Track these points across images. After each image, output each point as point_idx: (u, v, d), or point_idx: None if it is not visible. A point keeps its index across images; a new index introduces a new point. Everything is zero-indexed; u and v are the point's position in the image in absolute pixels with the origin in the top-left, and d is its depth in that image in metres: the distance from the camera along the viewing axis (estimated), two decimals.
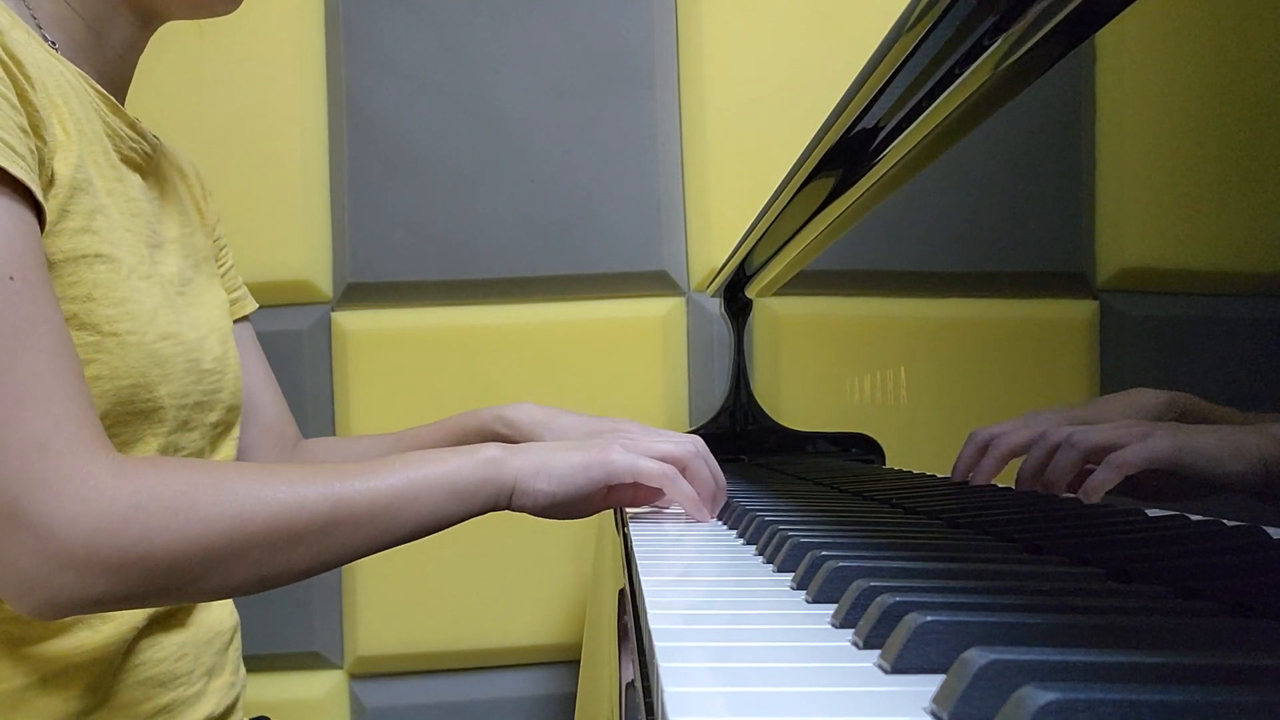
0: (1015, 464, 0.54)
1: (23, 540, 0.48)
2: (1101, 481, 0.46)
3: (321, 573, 0.58)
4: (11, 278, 0.50)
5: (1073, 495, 0.48)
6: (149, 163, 0.73)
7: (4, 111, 0.53)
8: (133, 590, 0.50)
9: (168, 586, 0.52)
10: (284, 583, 0.56)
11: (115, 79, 0.73)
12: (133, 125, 0.70)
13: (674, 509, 0.77)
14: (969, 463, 0.60)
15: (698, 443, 0.72)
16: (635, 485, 0.70)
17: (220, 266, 0.86)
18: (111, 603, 0.51)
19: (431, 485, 0.60)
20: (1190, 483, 0.41)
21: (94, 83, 0.66)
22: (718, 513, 0.73)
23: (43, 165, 0.56)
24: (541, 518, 0.67)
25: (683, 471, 0.70)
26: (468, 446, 0.65)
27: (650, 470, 0.68)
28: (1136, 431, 0.44)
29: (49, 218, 0.57)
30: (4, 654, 0.59)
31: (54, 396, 0.50)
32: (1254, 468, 0.36)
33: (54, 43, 0.66)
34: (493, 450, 0.64)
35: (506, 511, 0.66)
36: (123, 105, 0.72)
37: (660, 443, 0.70)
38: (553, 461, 0.65)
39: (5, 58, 0.54)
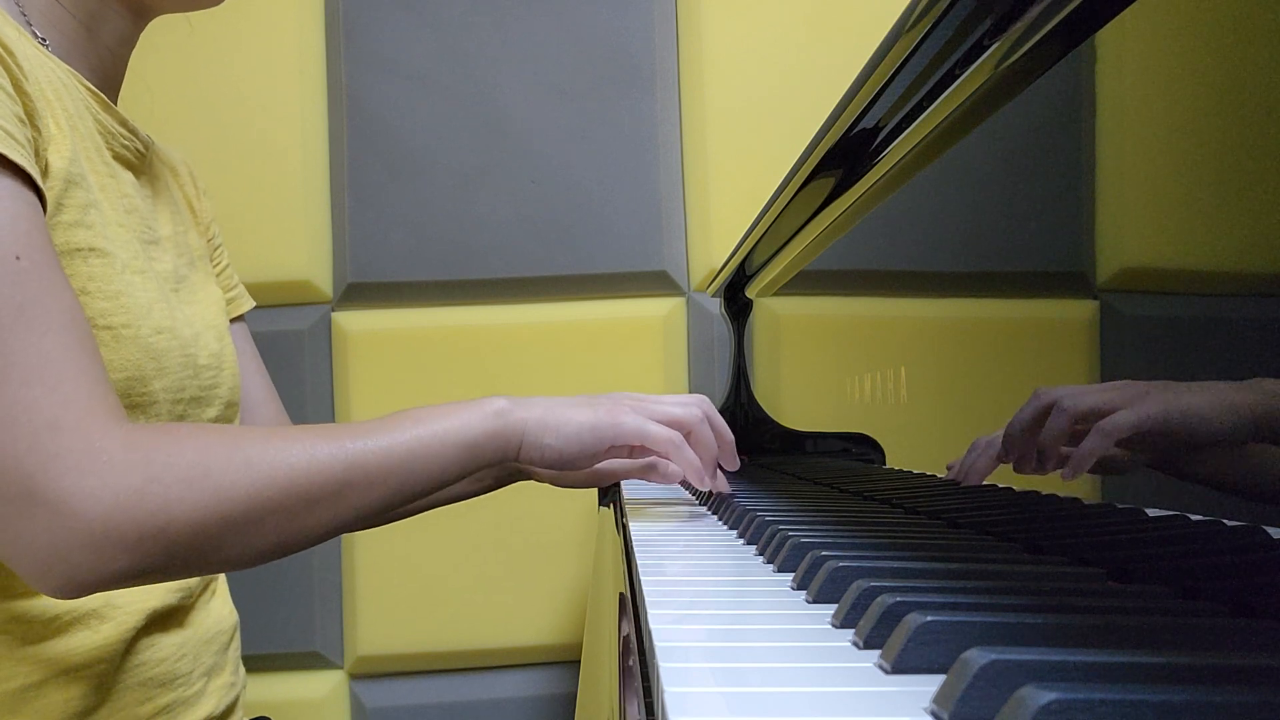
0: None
1: (40, 519, 0.48)
2: (1090, 449, 0.45)
3: (339, 534, 0.59)
4: (18, 257, 0.50)
5: (1071, 495, 0.48)
6: (141, 161, 0.73)
7: (1, 100, 0.53)
8: (153, 563, 0.50)
9: (188, 558, 0.52)
10: (302, 546, 0.57)
11: (107, 76, 0.73)
12: (124, 123, 0.70)
13: (659, 490, 0.77)
14: (978, 471, 0.59)
15: (704, 403, 0.72)
16: (630, 449, 0.70)
17: (216, 265, 0.86)
18: (133, 577, 0.51)
19: (443, 440, 0.60)
20: (1183, 447, 0.40)
21: (85, 81, 0.66)
22: (735, 468, 0.73)
23: (37, 156, 0.57)
24: (547, 470, 0.67)
25: (687, 437, 0.70)
26: (473, 400, 0.64)
27: (658, 435, 0.68)
28: (1127, 395, 0.43)
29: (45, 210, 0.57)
30: (3, 655, 0.59)
31: (64, 374, 0.50)
32: (1245, 426, 0.36)
33: (45, 40, 0.66)
34: (499, 402, 0.64)
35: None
36: (115, 103, 0.72)
37: (667, 406, 0.70)
38: (561, 418, 0.66)
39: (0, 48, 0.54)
